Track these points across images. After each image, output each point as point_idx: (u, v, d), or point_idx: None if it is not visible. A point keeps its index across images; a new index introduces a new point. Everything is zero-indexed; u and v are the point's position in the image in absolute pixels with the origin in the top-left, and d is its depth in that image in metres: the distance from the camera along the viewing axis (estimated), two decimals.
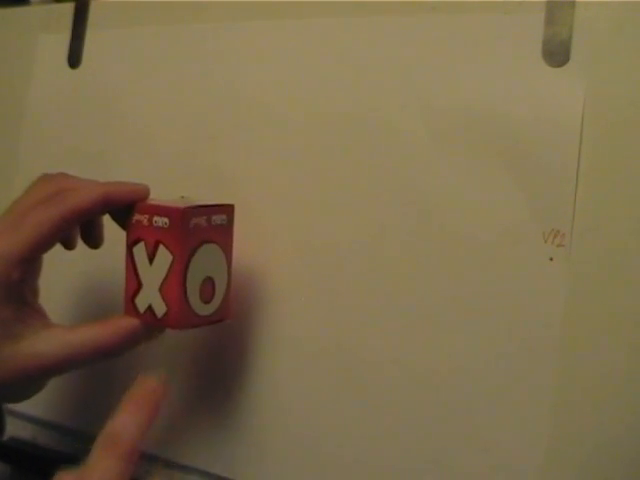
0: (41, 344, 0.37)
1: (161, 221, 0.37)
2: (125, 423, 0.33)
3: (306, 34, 0.45)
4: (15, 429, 0.54)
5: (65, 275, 0.50)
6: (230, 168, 0.46)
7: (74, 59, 0.54)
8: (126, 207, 0.39)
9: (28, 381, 0.39)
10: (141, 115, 0.50)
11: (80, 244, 0.44)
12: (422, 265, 0.40)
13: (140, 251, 0.38)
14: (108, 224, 0.42)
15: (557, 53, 0.37)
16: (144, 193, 0.39)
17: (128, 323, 0.39)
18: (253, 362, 0.45)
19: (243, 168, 0.46)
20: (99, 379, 0.39)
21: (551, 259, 0.37)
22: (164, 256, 0.37)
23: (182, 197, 0.41)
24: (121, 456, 0.32)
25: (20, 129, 0.56)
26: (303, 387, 0.43)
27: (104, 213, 0.40)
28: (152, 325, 0.39)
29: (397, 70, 0.41)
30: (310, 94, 0.44)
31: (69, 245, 0.42)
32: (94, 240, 0.43)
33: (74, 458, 0.53)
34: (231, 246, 0.40)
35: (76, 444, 0.52)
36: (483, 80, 0.39)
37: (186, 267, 0.37)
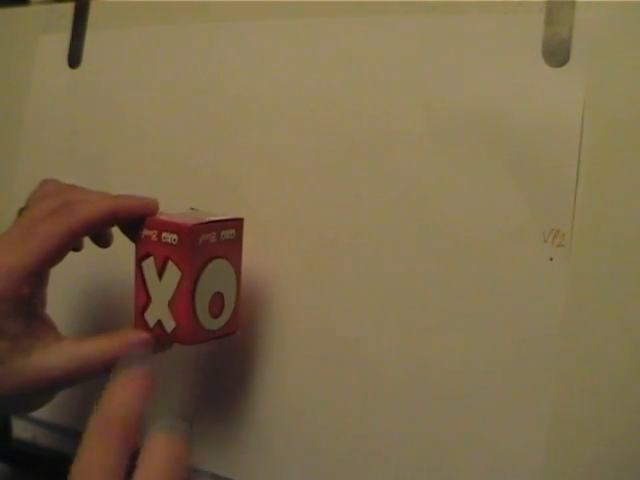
0: (51, 357, 0.37)
1: (170, 237, 0.37)
2: (121, 399, 0.31)
3: (306, 34, 0.44)
4: (15, 429, 0.54)
5: (69, 277, 0.49)
6: (231, 168, 0.46)
7: (74, 59, 0.54)
8: (136, 220, 0.38)
9: (37, 393, 0.38)
10: (141, 115, 0.50)
11: (86, 246, 0.43)
12: (422, 265, 0.40)
13: (149, 266, 0.38)
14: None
15: (557, 53, 0.37)
16: (153, 207, 0.39)
17: (139, 336, 0.38)
18: (258, 367, 0.45)
19: (244, 169, 0.46)
20: (100, 380, 0.39)
21: (551, 259, 0.37)
22: (173, 272, 0.37)
23: (192, 209, 0.41)
24: (118, 438, 0.30)
25: (20, 129, 0.56)
26: (306, 390, 0.43)
27: (113, 226, 0.40)
28: (161, 339, 0.39)
29: (397, 70, 0.41)
30: (310, 94, 0.44)
31: (76, 248, 0.42)
32: (104, 240, 0.43)
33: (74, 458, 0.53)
34: (240, 260, 0.40)
35: (76, 444, 0.52)
36: (483, 80, 0.39)
37: (195, 284, 0.37)
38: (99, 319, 0.51)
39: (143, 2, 0.51)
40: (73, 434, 0.52)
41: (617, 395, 0.36)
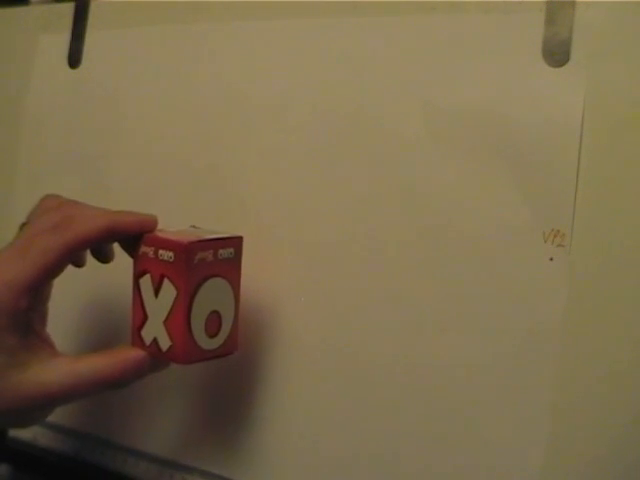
0: (47, 373, 0.37)
1: (166, 255, 0.37)
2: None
3: (306, 34, 0.44)
4: (15, 429, 0.54)
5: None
6: (230, 169, 0.46)
7: (74, 59, 0.54)
8: (134, 237, 0.38)
9: (33, 409, 0.38)
10: (141, 115, 0.50)
11: (88, 263, 0.43)
12: (422, 266, 0.40)
13: (146, 283, 0.38)
14: None
15: (557, 53, 0.37)
16: (152, 224, 0.39)
17: (135, 354, 0.38)
18: (256, 369, 0.45)
19: (243, 169, 0.46)
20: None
21: (551, 259, 0.37)
22: (169, 290, 0.37)
23: (192, 226, 0.41)
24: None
25: (20, 129, 0.56)
26: (304, 390, 0.43)
27: (111, 242, 0.40)
28: (157, 358, 0.38)
29: (397, 70, 0.41)
30: (310, 94, 0.44)
31: (78, 264, 0.42)
32: (104, 256, 0.43)
33: (74, 458, 0.53)
34: (239, 279, 0.40)
35: (76, 444, 0.52)
36: (483, 80, 0.39)
37: (190, 302, 0.37)
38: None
39: (143, 2, 0.51)
40: (73, 434, 0.52)
41: (617, 394, 0.36)
